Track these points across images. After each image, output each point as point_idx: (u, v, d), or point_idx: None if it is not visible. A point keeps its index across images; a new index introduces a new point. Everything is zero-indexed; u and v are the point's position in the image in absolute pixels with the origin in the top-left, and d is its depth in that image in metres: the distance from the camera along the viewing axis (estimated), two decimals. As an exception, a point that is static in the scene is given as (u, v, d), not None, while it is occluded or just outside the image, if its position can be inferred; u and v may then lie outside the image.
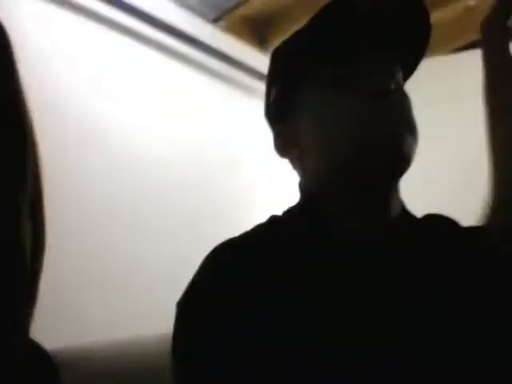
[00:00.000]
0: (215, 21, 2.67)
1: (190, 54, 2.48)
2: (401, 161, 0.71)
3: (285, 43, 0.79)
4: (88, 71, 2.02)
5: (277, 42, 0.83)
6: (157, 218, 2.19)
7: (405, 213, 0.80)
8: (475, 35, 3.35)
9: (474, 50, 3.05)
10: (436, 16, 2.84)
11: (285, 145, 0.81)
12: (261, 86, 1.04)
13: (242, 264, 0.73)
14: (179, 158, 2.34)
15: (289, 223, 0.79)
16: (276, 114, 0.83)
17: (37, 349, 0.69)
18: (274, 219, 0.82)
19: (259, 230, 0.80)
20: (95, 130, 1.99)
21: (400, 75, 0.76)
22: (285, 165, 0.85)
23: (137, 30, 2.24)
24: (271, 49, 0.82)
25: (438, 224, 0.81)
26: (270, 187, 2.86)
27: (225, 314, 0.70)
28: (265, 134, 0.92)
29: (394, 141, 0.69)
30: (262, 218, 0.82)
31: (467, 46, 3.11)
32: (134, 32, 2.24)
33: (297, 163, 0.81)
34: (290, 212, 0.82)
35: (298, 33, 0.76)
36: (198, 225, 2.37)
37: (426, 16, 0.76)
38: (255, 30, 2.91)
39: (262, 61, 2.43)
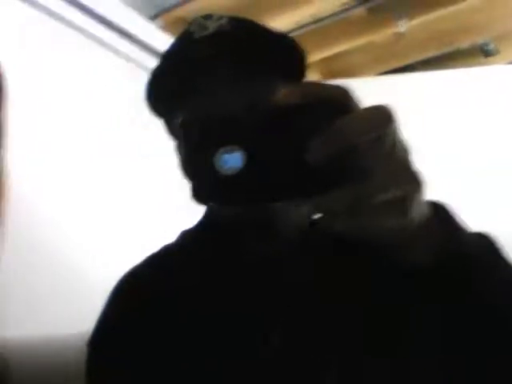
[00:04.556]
0: (153, 18, 2.65)
1: (125, 47, 2.44)
2: None
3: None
4: (20, 60, 1.94)
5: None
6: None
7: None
8: (403, 60, 3.46)
9: (401, 73, 3.18)
10: (367, 39, 2.95)
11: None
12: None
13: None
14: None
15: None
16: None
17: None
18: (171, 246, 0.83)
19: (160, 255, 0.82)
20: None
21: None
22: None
23: (70, 19, 2.18)
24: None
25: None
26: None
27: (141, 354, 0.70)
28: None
29: None
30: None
31: (395, 69, 3.24)
32: (68, 22, 2.18)
33: None
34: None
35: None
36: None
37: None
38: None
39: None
